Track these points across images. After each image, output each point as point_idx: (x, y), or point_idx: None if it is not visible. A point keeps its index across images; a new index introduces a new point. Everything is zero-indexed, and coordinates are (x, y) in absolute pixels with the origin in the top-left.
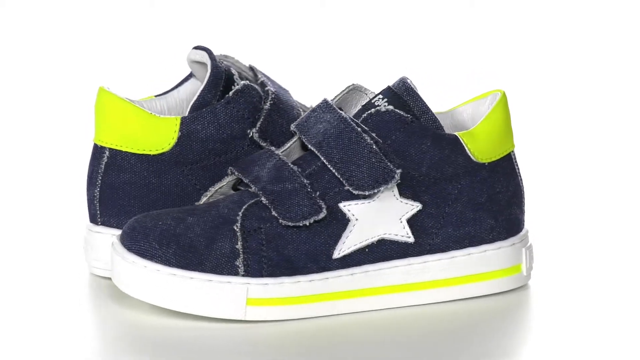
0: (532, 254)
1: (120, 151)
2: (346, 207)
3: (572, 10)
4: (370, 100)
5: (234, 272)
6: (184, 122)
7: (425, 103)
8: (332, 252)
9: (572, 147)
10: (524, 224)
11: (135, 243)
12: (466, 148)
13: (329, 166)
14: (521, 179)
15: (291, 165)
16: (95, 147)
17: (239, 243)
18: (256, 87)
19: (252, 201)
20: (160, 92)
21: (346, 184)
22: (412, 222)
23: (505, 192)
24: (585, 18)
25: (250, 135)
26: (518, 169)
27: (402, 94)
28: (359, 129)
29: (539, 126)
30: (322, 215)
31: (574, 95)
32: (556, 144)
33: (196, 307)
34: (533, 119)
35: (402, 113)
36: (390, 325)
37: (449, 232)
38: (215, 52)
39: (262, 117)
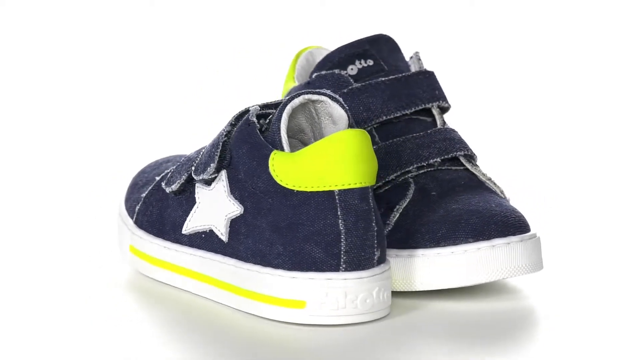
0: (373, 298)
1: None
2: (198, 188)
3: (572, 10)
4: None
5: (132, 217)
6: (288, 92)
7: (280, 114)
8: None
9: (571, 146)
10: (331, 267)
11: None
12: (269, 168)
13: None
14: (346, 223)
15: (215, 142)
16: None
17: (144, 193)
18: (346, 77)
19: None
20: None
21: (193, 165)
22: (233, 223)
23: (308, 226)
24: (585, 18)
25: None
26: (346, 211)
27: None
28: (232, 121)
29: (537, 127)
30: (170, 189)
31: (574, 96)
32: (555, 144)
33: (117, 242)
34: (532, 119)
35: (249, 115)
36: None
37: (249, 244)
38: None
39: None
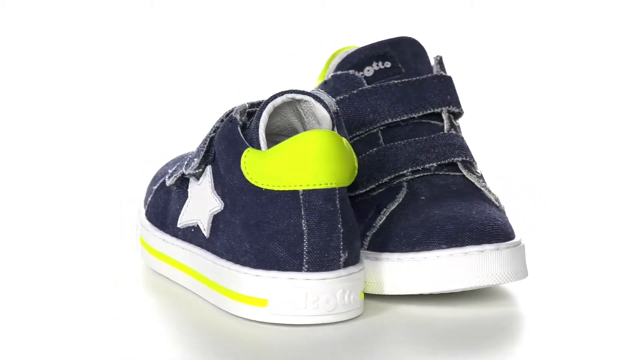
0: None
1: None
2: (190, 183)
3: (571, 10)
4: None
5: (145, 208)
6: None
7: (261, 112)
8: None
9: (570, 146)
10: (294, 267)
11: None
12: (241, 165)
13: None
14: (308, 223)
15: (204, 138)
16: None
17: (157, 185)
18: (359, 78)
19: None
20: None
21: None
22: (215, 219)
23: (273, 225)
24: (585, 18)
25: None
26: (309, 212)
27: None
28: (222, 117)
29: (536, 127)
30: (168, 183)
31: (574, 96)
32: (555, 145)
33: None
34: (531, 119)
35: (232, 112)
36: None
37: (223, 241)
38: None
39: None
